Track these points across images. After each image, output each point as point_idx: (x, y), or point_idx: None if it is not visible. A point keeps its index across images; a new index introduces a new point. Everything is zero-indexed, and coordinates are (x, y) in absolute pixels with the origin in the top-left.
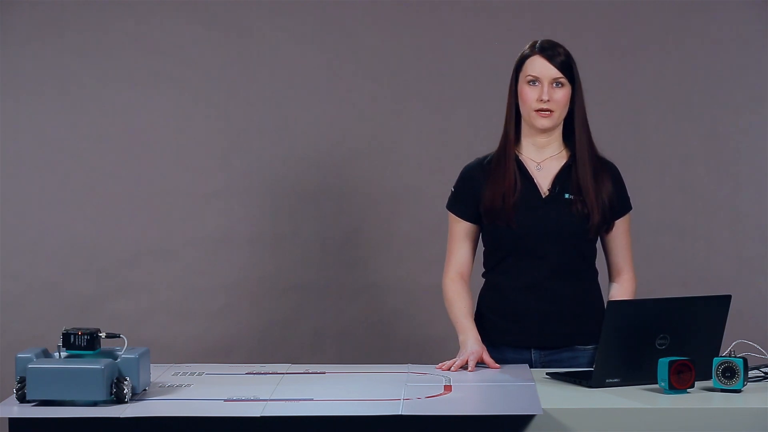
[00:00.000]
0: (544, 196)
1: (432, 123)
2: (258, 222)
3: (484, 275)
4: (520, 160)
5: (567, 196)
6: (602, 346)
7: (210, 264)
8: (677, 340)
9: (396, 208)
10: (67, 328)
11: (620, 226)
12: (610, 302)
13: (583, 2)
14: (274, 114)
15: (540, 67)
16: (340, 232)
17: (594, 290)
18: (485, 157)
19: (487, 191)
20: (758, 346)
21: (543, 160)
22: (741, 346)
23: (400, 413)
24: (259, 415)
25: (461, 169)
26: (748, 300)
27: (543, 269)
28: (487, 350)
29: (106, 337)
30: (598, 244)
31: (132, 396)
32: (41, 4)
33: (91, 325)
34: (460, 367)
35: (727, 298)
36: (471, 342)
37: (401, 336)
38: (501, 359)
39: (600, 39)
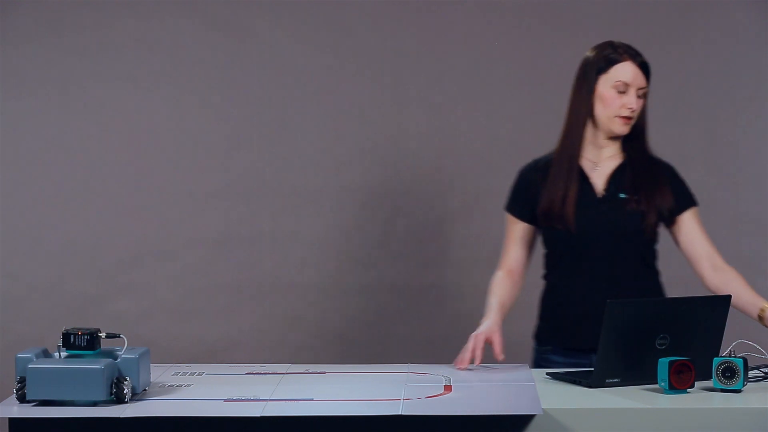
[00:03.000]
0: (599, 197)
1: (432, 123)
2: (258, 222)
3: (544, 277)
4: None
5: (622, 195)
6: (602, 346)
7: (210, 264)
8: (677, 340)
9: (396, 208)
10: (67, 328)
11: (691, 219)
12: (610, 302)
13: (583, 2)
14: (274, 114)
15: (632, 75)
16: (340, 232)
17: (655, 291)
18: (540, 159)
19: (545, 194)
20: (758, 346)
21: (600, 161)
22: (741, 346)
23: (400, 413)
24: (259, 415)
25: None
26: None
27: (601, 270)
28: (555, 354)
29: (106, 337)
30: (662, 246)
31: (132, 396)
32: (41, 4)
33: (91, 325)
34: (471, 359)
35: (727, 298)
36: (486, 322)
37: (401, 336)
38: (566, 363)
39: (600, 39)
